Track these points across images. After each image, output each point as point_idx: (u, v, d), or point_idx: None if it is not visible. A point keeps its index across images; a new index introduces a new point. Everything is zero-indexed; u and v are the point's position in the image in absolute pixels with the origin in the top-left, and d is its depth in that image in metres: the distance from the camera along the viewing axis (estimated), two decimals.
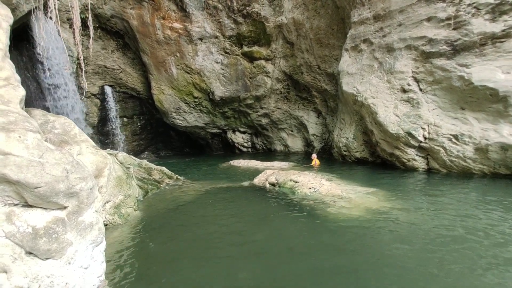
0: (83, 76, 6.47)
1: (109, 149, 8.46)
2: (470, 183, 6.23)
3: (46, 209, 2.38)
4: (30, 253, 2.18)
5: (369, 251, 3.25)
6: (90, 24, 6.40)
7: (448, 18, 7.11)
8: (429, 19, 7.47)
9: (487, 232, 3.56)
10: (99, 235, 2.62)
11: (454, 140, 7.09)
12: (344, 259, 3.09)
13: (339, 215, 4.38)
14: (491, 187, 5.78)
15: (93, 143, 4.60)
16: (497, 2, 6.41)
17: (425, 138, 7.58)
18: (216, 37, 14.08)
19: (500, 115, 6.40)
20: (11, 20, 4.29)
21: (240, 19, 13.49)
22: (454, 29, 7.04)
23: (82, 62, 5.65)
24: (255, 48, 14.15)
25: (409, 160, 8.10)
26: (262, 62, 14.38)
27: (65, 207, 2.46)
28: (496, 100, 6.38)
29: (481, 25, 6.62)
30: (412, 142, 7.77)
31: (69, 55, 11.87)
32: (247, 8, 13.14)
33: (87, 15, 6.74)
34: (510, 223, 3.80)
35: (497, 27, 6.40)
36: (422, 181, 6.83)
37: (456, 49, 7.01)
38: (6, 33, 4.05)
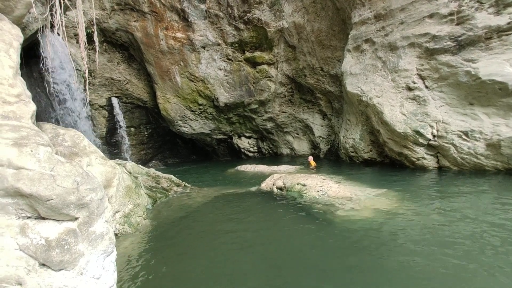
0: (87, 89, 6.63)
1: (117, 159, 8.60)
2: (484, 180, 6.05)
3: (58, 220, 2.43)
4: (44, 264, 2.22)
5: (380, 254, 3.18)
6: (96, 38, 6.59)
7: (450, 14, 7.04)
8: (431, 16, 7.41)
9: (504, 235, 3.44)
10: (110, 245, 2.64)
11: (464, 136, 6.94)
12: (353, 262, 3.03)
13: (349, 218, 4.32)
14: (506, 184, 5.60)
15: (102, 154, 4.69)
16: None
17: (434, 136, 7.44)
18: (219, 44, 14.27)
19: (511, 109, 6.24)
20: (21, 39, 4.46)
21: (242, 26, 13.66)
22: (457, 24, 6.96)
23: (87, 75, 5.81)
24: (258, 53, 14.27)
25: (418, 159, 7.95)
26: (265, 66, 14.47)
27: (76, 218, 2.51)
28: (506, 94, 6.24)
29: (485, 19, 6.53)
30: (421, 140, 7.64)
31: (76, 69, 12.21)
32: (247, 14, 13.30)
33: (93, 30, 6.94)
34: None
35: (502, 20, 6.30)
36: (433, 180, 6.68)
37: (461, 44, 6.92)
38: (17, 51, 4.21)
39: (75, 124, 12.25)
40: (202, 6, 13.43)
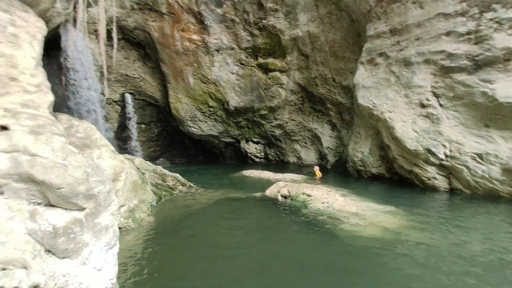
0: (105, 84, 6.79)
1: (126, 154, 8.73)
2: (497, 207, 5.84)
3: (66, 209, 2.47)
4: (49, 251, 2.25)
5: (381, 273, 3.08)
6: (115, 35, 6.80)
7: (468, 33, 6.96)
8: (448, 34, 7.34)
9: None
10: (113, 238, 2.66)
11: (478, 159, 6.75)
12: (355, 279, 2.95)
13: (353, 233, 4.23)
14: None
15: (113, 148, 4.77)
16: None
17: (446, 156, 7.27)
18: (232, 48, 14.47)
19: None
20: (45, 32, 4.63)
21: (256, 32, 13.84)
22: (475, 43, 6.87)
23: (105, 70, 5.97)
24: (270, 60, 14.39)
25: (429, 179, 7.76)
26: (277, 73, 14.56)
27: (83, 209, 2.54)
28: None
29: (504, 40, 6.42)
30: (432, 159, 7.47)
31: (94, 64, 12.58)
32: (263, 21, 13.48)
33: (112, 27, 7.16)
34: None
35: None
36: (444, 201, 6.50)
37: (478, 64, 6.80)
38: (40, 43, 4.37)
39: (89, 116, 12.54)
40: (219, 10, 13.70)
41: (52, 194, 2.35)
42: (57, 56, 11.98)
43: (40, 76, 3.84)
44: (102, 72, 13.58)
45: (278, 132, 16.17)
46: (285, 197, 6.54)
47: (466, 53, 6.97)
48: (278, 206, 6.01)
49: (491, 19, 6.60)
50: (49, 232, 2.24)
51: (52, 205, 2.40)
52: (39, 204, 2.36)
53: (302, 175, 10.47)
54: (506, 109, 6.29)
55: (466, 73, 7.02)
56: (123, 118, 15.90)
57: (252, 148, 17.36)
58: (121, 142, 16.04)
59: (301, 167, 14.45)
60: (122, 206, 4.49)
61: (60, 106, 11.88)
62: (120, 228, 4.27)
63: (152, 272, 3.10)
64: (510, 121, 6.34)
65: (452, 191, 7.40)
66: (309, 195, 6.04)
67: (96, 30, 12.04)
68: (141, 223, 4.54)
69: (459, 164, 7.04)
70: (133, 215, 4.53)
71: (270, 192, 7.10)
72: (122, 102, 15.78)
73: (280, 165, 15.79)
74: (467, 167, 6.91)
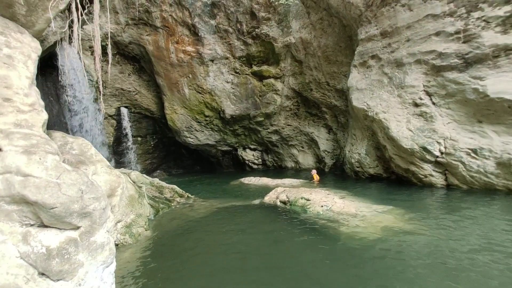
0: (101, 100, 6.82)
1: (122, 168, 8.69)
2: (494, 200, 5.85)
3: (60, 229, 2.44)
4: (43, 274, 2.21)
5: (384, 274, 3.06)
6: (109, 51, 6.86)
7: (457, 32, 7.10)
8: (437, 34, 7.48)
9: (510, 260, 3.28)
10: (110, 256, 2.62)
11: (473, 154, 6.79)
12: (356, 280, 2.92)
13: (353, 235, 4.20)
14: None
15: (108, 163, 4.75)
16: (507, 14, 6.37)
17: (442, 153, 7.31)
18: (227, 58, 14.63)
19: None
20: (39, 51, 4.67)
21: (250, 41, 14.03)
22: (464, 42, 7.00)
23: (101, 86, 6.00)
24: (264, 67, 14.54)
25: (426, 176, 7.78)
26: (272, 80, 14.69)
27: (78, 227, 2.51)
28: None
29: (492, 37, 6.55)
30: (428, 157, 7.51)
31: (89, 80, 12.65)
32: (256, 30, 13.69)
33: (107, 43, 7.23)
34: None
35: (509, 39, 6.31)
36: (442, 198, 6.50)
37: (468, 62, 6.92)
38: (34, 63, 4.40)
39: (83, 132, 12.52)
40: (212, 22, 13.91)
41: (45, 214, 2.32)
42: (52, 73, 12.05)
43: (34, 95, 3.85)
44: (97, 88, 13.64)
45: (274, 138, 16.20)
46: (284, 202, 6.50)
47: (455, 51, 7.09)
48: (277, 212, 5.98)
49: (478, 18, 6.75)
50: (43, 254, 2.21)
51: (45, 226, 2.37)
52: (32, 225, 2.33)
53: (300, 180, 10.45)
54: (497, 104, 6.37)
55: (457, 71, 7.13)
56: (119, 132, 15.89)
57: (250, 155, 17.35)
58: (118, 156, 15.97)
59: (299, 172, 14.42)
60: (118, 221, 4.44)
61: (56, 123, 11.88)
62: (117, 244, 4.21)
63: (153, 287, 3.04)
64: (502, 116, 6.41)
65: (448, 187, 7.41)
66: (308, 199, 6.01)
67: (91, 47, 12.16)
68: (138, 238, 4.49)
69: (454, 160, 7.07)
70: (130, 230, 4.48)
71: (269, 198, 7.07)
72: (117, 116, 15.80)
73: (278, 171, 15.76)
74: (463, 163, 6.94)
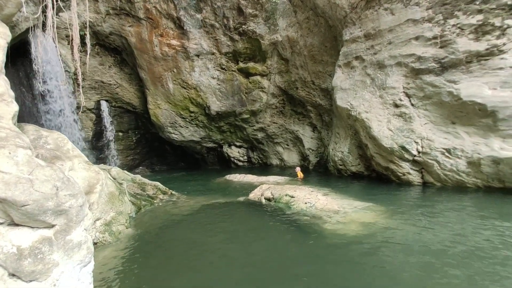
0: (81, 92, 6.49)
1: (102, 164, 8.36)
2: (465, 197, 6.25)
3: (33, 227, 2.31)
4: (13, 275, 2.08)
5: (363, 267, 3.18)
6: (88, 41, 6.53)
7: (434, 37, 7.44)
8: (417, 38, 7.80)
9: (482, 247, 3.53)
10: (88, 255, 2.52)
11: (447, 154, 7.19)
12: (338, 275, 3.01)
13: (335, 231, 4.32)
14: (485, 201, 5.80)
15: (86, 159, 4.55)
16: (479, 23, 6.76)
17: (419, 152, 7.67)
18: (213, 53, 14.41)
19: (490, 129, 6.55)
20: (9, 38, 4.35)
21: (236, 37, 13.89)
22: (441, 47, 7.35)
23: (80, 78, 5.71)
24: (251, 64, 14.48)
25: (404, 174, 8.14)
26: (258, 77, 14.67)
27: (52, 226, 2.39)
28: (485, 115, 6.56)
29: (466, 44, 6.93)
30: (406, 156, 7.85)
31: (66, 71, 11.98)
32: (243, 26, 13.57)
33: (86, 33, 6.88)
34: (505, 238, 3.78)
35: (481, 46, 6.70)
36: (418, 195, 6.83)
37: (444, 66, 7.28)
38: (3, 50, 4.09)
39: (60, 126, 11.88)
40: (198, 16, 13.62)
41: (16, 212, 2.19)
42: (24, 63, 11.28)
43: (3, 85, 3.59)
44: (75, 79, 12.97)
45: (260, 135, 16.24)
46: (268, 199, 6.55)
47: (433, 56, 7.43)
48: (262, 209, 6.01)
49: (454, 25, 7.11)
50: (13, 254, 2.08)
51: (16, 224, 2.23)
52: (0, 224, 2.19)
53: (285, 177, 10.57)
54: (469, 107, 6.77)
55: (433, 74, 7.48)
56: (99, 126, 15.23)
57: (235, 152, 17.29)
58: (97, 152, 15.33)
59: (284, 169, 14.59)
60: (97, 219, 4.27)
61: (29, 116, 11.17)
62: (96, 243, 4.06)
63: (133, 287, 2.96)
64: (473, 118, 6.82)
65: (424, 184, 7.81)
66: (292, 196, 6.10)
67: (68, 36, 11.49)
68: (118, 236, 4.34)
69: (430, 159, 7.45)
70: (109, 228, 4.32)
71: (253, 195, 7.09)
72: (97, 110, 15.12)
73: (264, 168, 15.85)
74: (437, 162, 7.33)
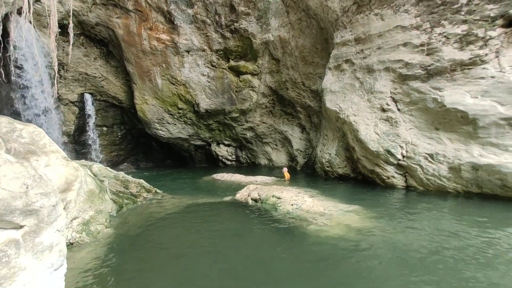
0: (55, 83, 6.16)
1: (83, 160, 8.02)
2: (446, 201, 6.45)
3: None
4: None
5: (347, 269, 3.19)
6: (71, 30, 6.21)
7: (422, 45, 7.62)
8: (405, 44, 7.97)
9: (461, 250, 3.64)
10: (59, 258, 2.37)
11: (430, 159, 7.40)
12: (321, 277, 3.00)
13: (320, 233, 4.33)
14: (464, 206, 6.01)
15: (64, 154, 4.31)
16: (464, 33, 6.98)
17: (403, 156, 7.85)
18: (203, 50, 14.19)
19: (470, 136, 6.79)
20: None
21: (228, 34, 13.74)
22: (427, 54, 7.54)
23: (56, 67, 5.41)
24: (242, 63, 14.38)
25: (388, 177, 8.31)
26: (249, 76, 14.58)
27: (21, 227, 2.22)
28: (466, 122, 6.79)
29: (451, 52, 7.14)
30: (391, 159, 8.02)
31: (48, 62, 11.41)
32: (235, 24, 13.44)
33: (69, 21, 6.54)
34: (483, 241, 3.92)
35: (464, 55, 6.93)
36: (401, 198, 6.99)
37: (430, 73, 7.48)
38: None
39: (37, 119, 11.31)
40: (190, 11, 13.36)
41: None
42: (1, 51, 10.63)
43: None
44: (54, 69, 12.41)
45: (249, 134, 16.17)
46: (255, 200, 6.50)
47: (420, 63, 7.61)
48: (248, 209, 5.95)
49: (440, 34, 7.31)
50: None
51: None
52: None
53: (273, 177, 10.56)
54: (452, 113, 6.99)
55: (420, 81, 7.67)
56: (82, 120, 14.65)
57: (223, 151, 17.14)
58: (79, 147, 14.75)
59: (272, 169, 14.60)
60: (75, 218, 4.06)
61: (4, 108, 10.56)
62: (72, 243, 3.86)
63: None
64: (455, 125, 7.05)
65: (408, 188, 8.01)
66: (279, 198, 6.07)
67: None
68: (97, 236, 4.15)
69: (414, 163, 7.65)
70: (87, 228, 4.12)
71: (240, 195, 7.02)
72: (80, 103, 14.53)
73: (252, 168, 15.80)
74: (421, 166, 7.53)
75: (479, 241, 3.95)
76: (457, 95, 6.94)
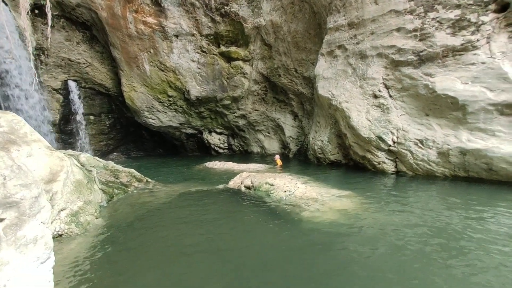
0: (32, 64, 5.79)
1: (70, 150, 7.76)
2: (434, 185, 6.62)
3: None
4: None
5: (340, 253, 3.24)
6: (49, 11, 5.80)
7: (415, 30, 7.54)
8: (398, 30, 7.87)
9: (448, 231, 3.75)
10: (46, 251, 2.28)
11: (419, 144, 7.52)
12: (315, 263, 3.04)
13: (313, 219, 4.37)
14: (451, 189, 6.18)
15: (47, 144, 4.12)
16: (457, 18, 6.92)
17: (394, 142, 7.95)
18: (193, 35, 13.67)
19: (459, 122, 6.90)
20: None
21: (218, 18, 13.24)
22: (420, 40, 7.48)
23: (30, 48, 5.06)
24: (233, 49, 13.97)
25: (379, 163, 8.44)
26: (240, 63, 14.24)
27: (1, 220, 2.10)
28: (456, 108, 6.87)
29: (443, 38, 7.10)
30: (382, 145, 8.11)
31: (25, 44, 10.75)
32: (225, 7, 12.92)
33: (46, 2, 6.08)
34: (469, 223, 4.05)
35: (457, 41, 6.91)
36: (391, 183, 7.14)
37: (422, 59, 7.45)
38: None
39: (20, 108, 10.79)
40: None
41: None
42: None
43: None
44: (36, 55, 11.75)
45: (241, 122, 16.02)
46: (248, 187, 6.50)
47: (412, 48, 7.56)
48: (241, 197, 5.95)
49: (433, 18, 7.22)
50: None
51: None
52: None
53: (265, 165, 10.57)
54: (442, 99, 7.05)
55: (412, 67, 7.64)
56: (67, 108, 14.09)
57: (215, 139, 16.98)
58: (66, 136, 14.28)
59: (264, 157, 14.62)
60: (62, 210, 3.93)
61: None
62: (61, 235, 3.76)
63: (99, 284, 2.77)
64: (445, 111, 7.14)
65: (398, 173, 8.18)
66: (272, 185, 6.08)
67: (31, 5, 10.20)
68: (87, 227, 4.06)
69: (404, 149, 7.77)
70: (76, 219, 4.02)
71: (233, 183, 7.00)
72: (64, 91, 13.92)
73: (244, 156, 15.77)
74: (411, 152, 7.67)
75: (469, 218, 4.09)
76: (448, 81, 6.97)
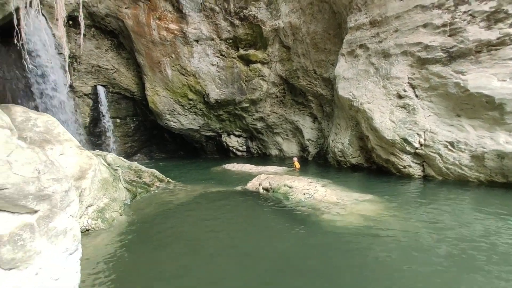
0: (67, 71, 6.22)
1: (98, 150, 8.19)
2: (466, 191, 6.14)
3: (14, 213, 2.16)
4: None
5: (361, 260, 3.08)
6: (81, 20, 6.21)
7: (444, 25, 7.12)
8: (425, 26, 7.48)
9: (480, 245, 3.42)
10: (74, 243, 2.39)
11: (450, 147, 7.03)
12: (335, 266, 2.91)
13: (333, 223, 4.22)
14: (487, 196, 5.69)
15: (77, 143, 4.37)
16: (492, 10, 6.44)
17: (421, 145, 7.51)
18: (213, 39, 13.98)
19: (496, 122, 6.37)
20: None
21: (237, 22, 13.44)
22: (449, 35, 7.05)
23: (66, 55, 5.43)
24: (252, 51, 14.08)
25: (404, 167, 8.01)
26: (258, 65, 14.30)
27: (35, 211, 2.24)
28: (492, 108, 6.36)
29: (476, 32, 6.63)
30: (408, 148, 7.70)
31: (60, 53, 11.60)
32: (244, 11, 13.09)
33: (79, 13, 6.54)
34: (505, 235, 3.68)
35: (492, 35, 6.42)
36: (418, 188, 6.73)
37: (452, 56, 7.01)
38: None
39: (54, 110, 11.63)
40: None
41: None
42: (16, 44, 10.89)
43: None
44: (69, 63, 12.61)
45: (260, 125, 16.03)
46: (266, 189, 6.44)
47: (441, 45, 7.14)
48: (259, 199, 5.91)
49: (465, 12, 6.78)
50: None
51: None
52: None
53: (283, 167, 10.46)
54: (476, 99, 6.55)
55: (440, 64, 7.21)
56: (96, 112, 14.97)
57: (234, 142, 17.12)
58: (95, 138, 15.14)
59: (283, 160, 14.47)
60: (89, 206, 4.14)
61: (23, 98, 10.90)
62: (88, 229, 3.95)
63: (123, 276, 2.86)
64: (479, 110, 6.62)
65: (425, 178, 7.70)
66: (290, 187, 5.98)
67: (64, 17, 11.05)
68: (112, 223, 4.23)
69: (432, 152, 7.30)
70: (102, 215, 4.20)
71: (251, 185, 6.98)
72: (94, 95, 14.81)
73: (262, 158, 15.73)
74: (440, 155, 7.19)
75: (501, 235, 3.71)
76: (482, 78, 6.48)
